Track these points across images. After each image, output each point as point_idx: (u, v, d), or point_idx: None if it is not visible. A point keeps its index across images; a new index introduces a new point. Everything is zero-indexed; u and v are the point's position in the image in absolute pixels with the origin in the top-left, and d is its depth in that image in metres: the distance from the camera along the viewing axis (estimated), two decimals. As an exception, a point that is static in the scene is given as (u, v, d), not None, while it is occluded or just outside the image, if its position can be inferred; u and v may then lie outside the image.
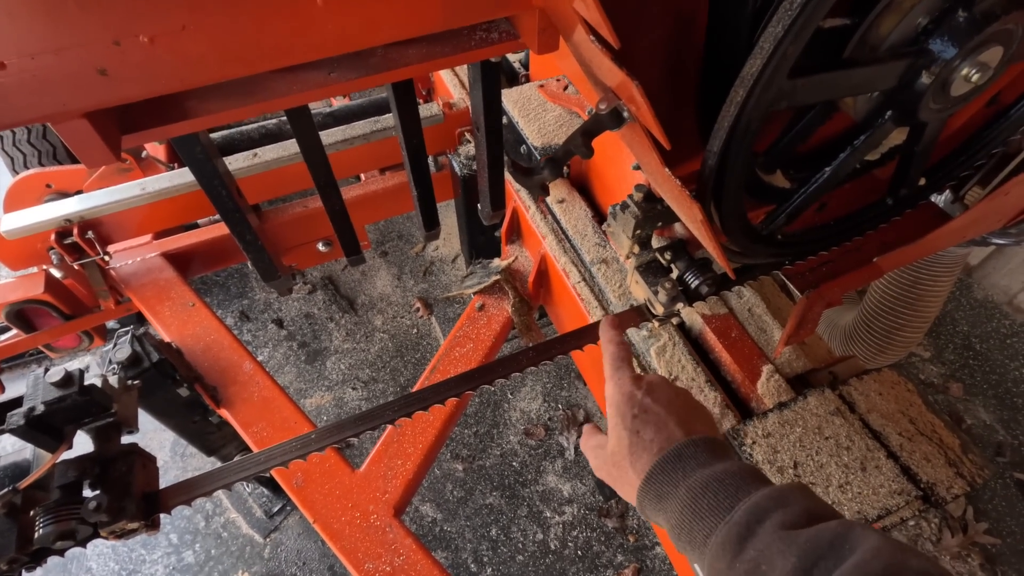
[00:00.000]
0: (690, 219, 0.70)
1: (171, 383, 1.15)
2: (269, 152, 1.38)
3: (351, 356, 2.08)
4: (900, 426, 0.86)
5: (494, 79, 0.80)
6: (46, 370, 0.74)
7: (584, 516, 1.72)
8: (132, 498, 0.72)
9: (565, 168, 1.29)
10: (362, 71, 0.64)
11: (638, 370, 1.05)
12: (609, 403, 0.67)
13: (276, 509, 1.75)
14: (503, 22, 0.68)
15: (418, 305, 2.21)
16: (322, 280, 2.29)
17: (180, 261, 1.44)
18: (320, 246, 1.63)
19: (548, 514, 1.73)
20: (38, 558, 0.71)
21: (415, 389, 0.91)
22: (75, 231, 1.26)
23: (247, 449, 1.53)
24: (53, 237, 1.25)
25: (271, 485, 1.74)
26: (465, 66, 0.90)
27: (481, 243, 1.60)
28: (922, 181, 0.96)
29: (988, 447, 1.83)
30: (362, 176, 1.66)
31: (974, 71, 0.67)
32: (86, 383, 0.73)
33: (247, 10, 0.48)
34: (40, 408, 0.70)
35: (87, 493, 0.73)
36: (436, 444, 1.14)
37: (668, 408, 0.63)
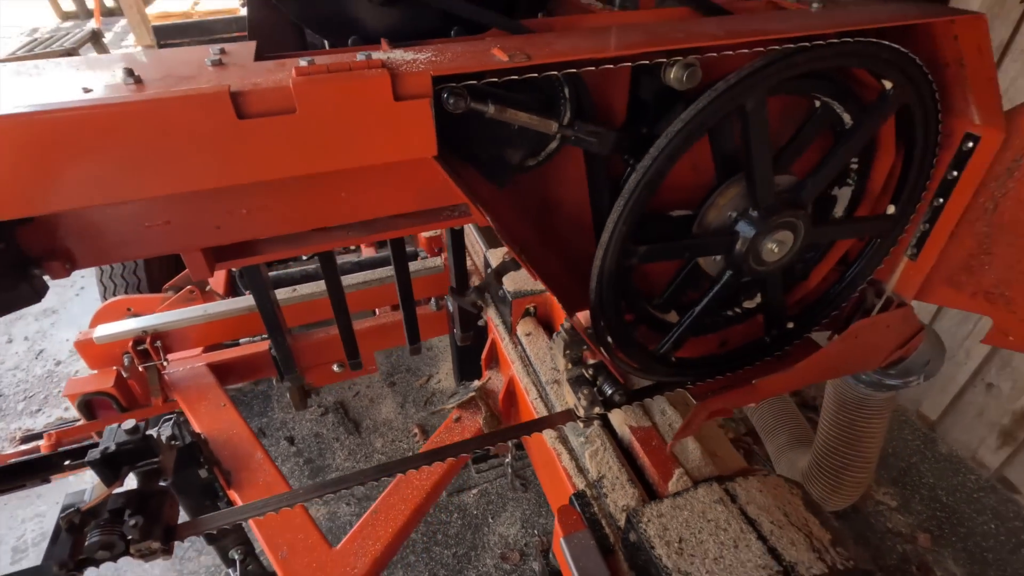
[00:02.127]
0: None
1: (195, 464, 1.40)
2: (304, 288, 1.77)
3: (350, 474, 2.26)
4: (773, 517, 1.04)
5: (460, 241, 1.17)
6: (119, 424, 1.03)
7: (551, 645, 1.74)
8: (160, 525, 0.96)
9: (531, 307, 1.63)
10: (369, 231, 1.01)
11: (573, 469, 1.27)
12: None
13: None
14: (462, 206, 1.06)
15: (416, 430, 2.43)
16: (334, 404, 2.56)
17: (220, 370, 1.76)
18: (335, 367, 1.94)
19: (516, 640, 1.76)
20: (81, 567, 0.93)
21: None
22: (147, 340, 1.62)
23: (247, 545, 1.69)
24: (131, 344, 1.61)
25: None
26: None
27: (468, 370, 1.89)
28: (791, 324, 1.25)
29: (960, 602, 1.83)
30: (377, 311, 2.03)
31: (774, 245, 1.00)
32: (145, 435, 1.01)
33: (301, 197, 0.86)
34: (112, 447, 0.97)
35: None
36: (404, 530, 1.32)
37: None
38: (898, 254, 1.21)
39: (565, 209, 1.02)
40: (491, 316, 1.73)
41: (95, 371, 1.62)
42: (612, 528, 1.14)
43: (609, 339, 1.05)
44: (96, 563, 0.93)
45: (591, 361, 1.22)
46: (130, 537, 0.93)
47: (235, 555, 1.67)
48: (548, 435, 1.35)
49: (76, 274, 2.87)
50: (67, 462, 1.01)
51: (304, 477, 2.26)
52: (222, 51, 0.65)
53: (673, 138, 0.81)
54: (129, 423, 1.00)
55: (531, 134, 0.79)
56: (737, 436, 2.35)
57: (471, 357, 1.85)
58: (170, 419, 1.41)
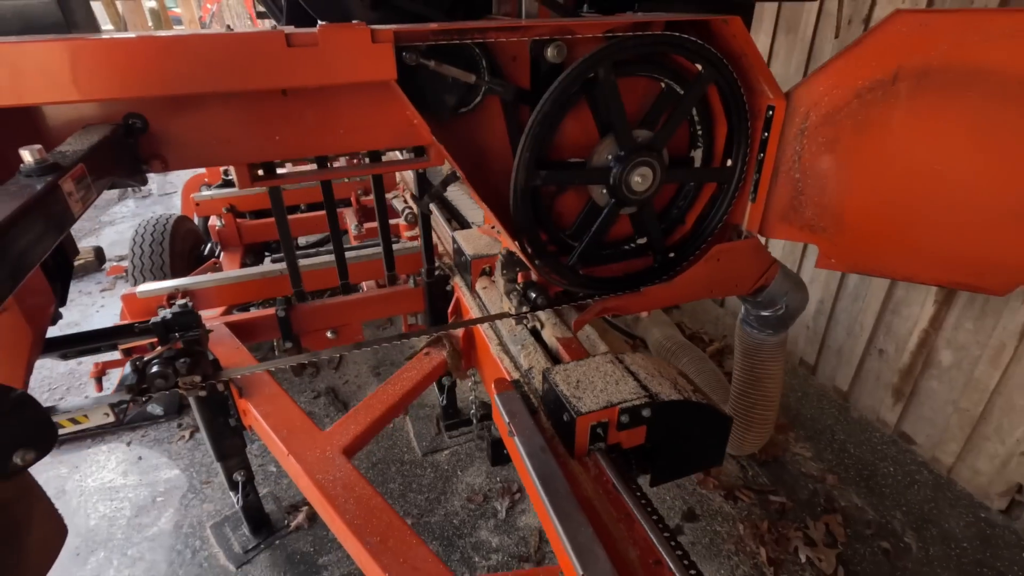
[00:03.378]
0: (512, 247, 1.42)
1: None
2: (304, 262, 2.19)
3: (337, 441, 2.58)
4: (649, 372, 1.42)
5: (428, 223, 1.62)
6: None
7: (507, 561, 2.01)
8: (199, 369, 1.33)
9: (486, 267, 2.05)
10: (358, 168, 1.46)
11: (511, 367, 1.64)
12: None
13: (251, 547, 2.10)
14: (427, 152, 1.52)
15: (397, 408, 2.76)
16: (326, 389, 2.90)
17: (236, 328, 2.14)
18: (328, 333, 2.33)
19: (477, 559, 2.03)
20: (141, 394, 1.29)
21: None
22: (179, 295, 2.02)
23: (248, 471, 2.01)
24: (166, 298, 2.01)
25: (252, 522, 2.12)
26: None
27: (437, 320, 2.28)
28: (672, 254, 1.68)
29: (859, 523, 2.12)
30: (364, 287, 2.44)
31: (639, 178, 1.45)
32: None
33: (313, 130, 1.31)
34: (169, 316, 1.36)
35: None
36: (380, 420, 1.67)
37: None
38: (744, 200, 1.67)
39: (495, 154, 1.47)
40: (457, 281, 2.15)
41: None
42: (536, 397, 1.50)
43: (528, 248, 1.47)
44: (155, 390, 1.30)
45: (521, 280, 1.64)
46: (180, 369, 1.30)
47: (239, 477, 1.99)
48: (493, 346, 1.74)
49: (96, 292, 3.35)
50: (136, 327, 1.38)
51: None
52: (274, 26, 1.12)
53: (553, 91, 1.29)
54: (181, 302, 1.40)
55: (460, 85, 1.25)
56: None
57: (439, 314, 2.26)
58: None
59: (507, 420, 1.35)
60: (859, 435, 2.52)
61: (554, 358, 1.69)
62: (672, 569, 1.06)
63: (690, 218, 1.70)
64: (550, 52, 1.29)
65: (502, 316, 1.62)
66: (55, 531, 0.95)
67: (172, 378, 1.30)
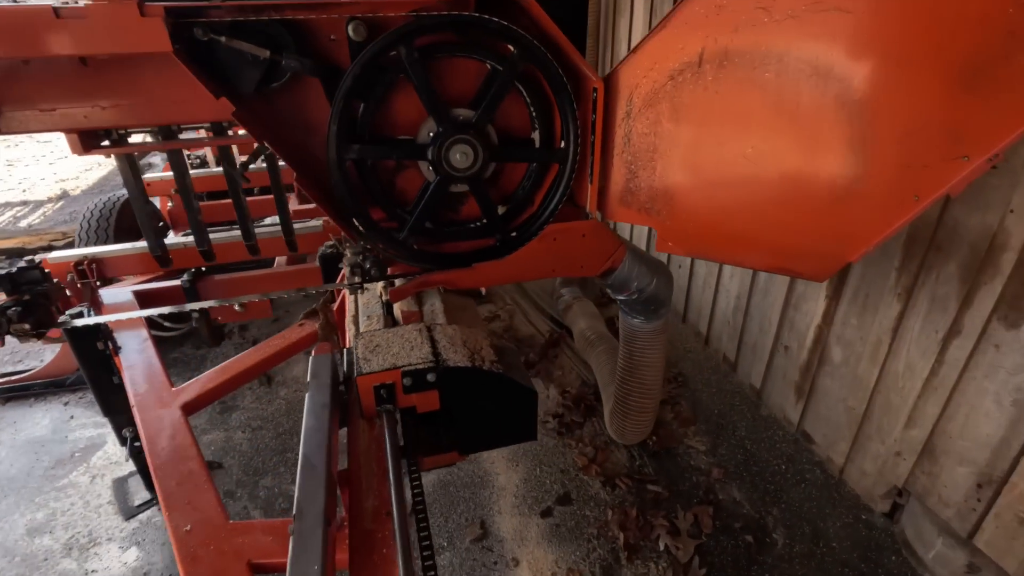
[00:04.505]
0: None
1: (97, 339, 1.89)
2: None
3: (252, 412, 2.70)
4: (453, 342, 1.47)
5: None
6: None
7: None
8: (33, 318, 1.45)
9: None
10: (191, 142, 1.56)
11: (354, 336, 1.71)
12: None
13: (143, 502, 2.23)
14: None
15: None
16: (256, 363, 3.03)
17: (142, 296, 2.28)
18: (236, 306, 2.45)
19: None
20: (-23, 338, 1.42)
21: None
22: (85, 263, 2.17)
23: (134, 426, 2.14)
24: (73, 265, 2.16)
25: (146, 478, 2.25)
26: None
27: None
28: (514, 234, 1.72)
29: (731, 516, 2.10)
30: (275, 264, 2.55)
31: (460, 155, 1.51)
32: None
33: (138, 101, 1.41)
34: (14, 270, 1.49)
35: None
36: (237, 379, 1.77)
37: None
38: (586, 182, 1.69)
39: (321, 134, 1.54)
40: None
41: (44, 284, 2.17)
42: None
43: (357, 223, 1.55)
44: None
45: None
46: (12, 321, 1.43)
47: (127, 433, 2.12)
48: (348, 317, 1.81)
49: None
50: None
51: (215, 413, 2.70)
52: (74, 2, 1.23)
53: (352, 68, 1.36)
54: (30, 260, 1.53)
55: (262, 61, 1.33)
56: (582, 394, 2.71)
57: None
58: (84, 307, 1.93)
59: (308, 379, 1.43)
60: (762, 433, 2.48)
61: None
62: (395, 520, 1.11)
63: (538, 199, 1.73)
64: (350, 30, 1.36)
65: (339, 287, 1.70)
66: None
67: (4, 325, 1.43)
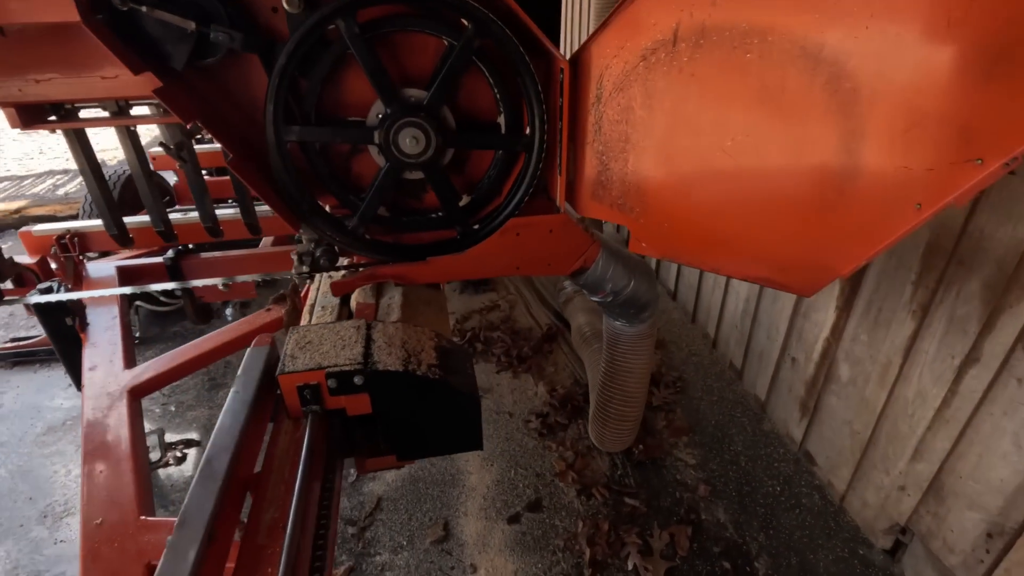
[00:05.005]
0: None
1: (65, 314, 1.89)
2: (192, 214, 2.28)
3: (239, 391, 2.70)
4: (391, 343, 1.36)
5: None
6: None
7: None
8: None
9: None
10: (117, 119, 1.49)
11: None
12: None
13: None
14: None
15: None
16: (251, 342, 3.03)
17: (125, 272, 2.28)
18: (220, 285, 2.43)
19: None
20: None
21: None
22: (67, 236, 2.18)
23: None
24: (55, 238, 2.18)
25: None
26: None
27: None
28: (476, 226, 1.59)
29: (712, 539, 1.94)
30: (262, 241, 2.52)
31: (410, 139, 1.39)
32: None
33: (69, 75, 1.35)
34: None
35: None
36: (192, 363, 1.73)
37: None
38: (555, 173, 1.54)
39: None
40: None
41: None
42: (302, 357, 1.49)
43: (303, 208, 1.46)
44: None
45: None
46: None
47: (102, 408, 2.13)
48: (307, 306, 1.74)
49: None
50: None
51: (204, 390, 2.71)
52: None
53: (289, 42, 1.25)
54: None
55: (190, 34, 1.24)
56: (571, 393, 2.58)
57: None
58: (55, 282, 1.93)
59: (238, 374, 1.36)
60: (761, 449, 2.29)
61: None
62: (287, 535, 1.03)
63: (505, 189, 1.60)
64: (285, 3, 1.25)
65: (288, 275, 1.62)
66: None
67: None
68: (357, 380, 1.27)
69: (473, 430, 1.41)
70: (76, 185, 5.47)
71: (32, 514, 2.11)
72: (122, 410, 1.54)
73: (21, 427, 2.53)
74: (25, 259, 2.13)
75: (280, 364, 1.28)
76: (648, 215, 1.43)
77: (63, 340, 1.96)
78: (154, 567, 1.13)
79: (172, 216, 2.21)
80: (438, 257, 1.56)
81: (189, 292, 2.41)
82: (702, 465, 2.23)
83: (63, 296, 1.77)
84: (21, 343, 2.96)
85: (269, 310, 1.98)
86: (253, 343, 1.46)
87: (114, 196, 2.92)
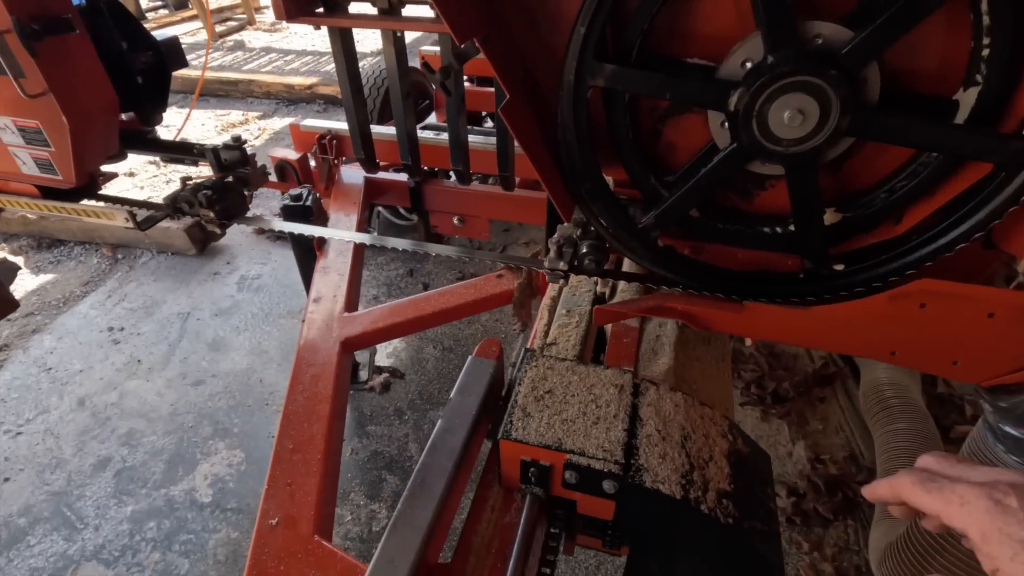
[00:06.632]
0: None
1: (308, 217, 1.78)
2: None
3: (450, 329, 2.55)
4: (666, 430, 0.88)
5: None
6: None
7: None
8: (222, 206, 1.31)
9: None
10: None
11: (542, 330, 1.24)
12: (981, 537, 0.51)
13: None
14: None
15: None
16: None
17: (372, 184, 2.15)
18: (455, 220, 2.19)
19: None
20: (175, 212, 1.35)
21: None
22: (327, 138, 2.08)
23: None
24: (317, 137, 2.09)
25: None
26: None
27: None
28: (839, 266, 0.97)
29: None
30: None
31: (789, 113, 0.81)
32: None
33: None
34: (221, 147, 1.35)
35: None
36: (412, 323, 1.51)
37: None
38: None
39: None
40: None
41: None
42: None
43: (585, 186, 1.00)
44: (177, 213, 1.34)
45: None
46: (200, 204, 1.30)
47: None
48: (546, 298, 1.35)
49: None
50: (196, 149, 1.45)
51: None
52: None
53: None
54: (234, 137, 1.37)
55: None
56: (845, 476, 1.87)
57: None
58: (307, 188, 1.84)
59: (453, 392, 1.03)
60: None
61: (601, 345, 1.23)
62: None
63: (914, 215, 0.92)
64: None
65: (531, 264, 1.20)
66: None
67: (195, 207, 1.32)
68: (608, 487, 0.83)
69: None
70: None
71: (255, 400, 2.24)
72: (329, 362, 1.36)
73: (270, 302, 2.73)
74: (290, 154, 2.10)
75: (505, 420, 0.90)
76: None
77: (302, 248, 1.89)
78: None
79: (424, 137, 1.96)
80: (761, 302, 0.99)
81: (424, 218, 2.23)
82: None
83: (291, 227, 1.59)
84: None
85: (500, 276, 1.64)
86: (476, 351, 1.11)
87: (373, 105, 2.84)
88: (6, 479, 1.97)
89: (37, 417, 2.19)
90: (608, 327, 1.23)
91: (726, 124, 0.88)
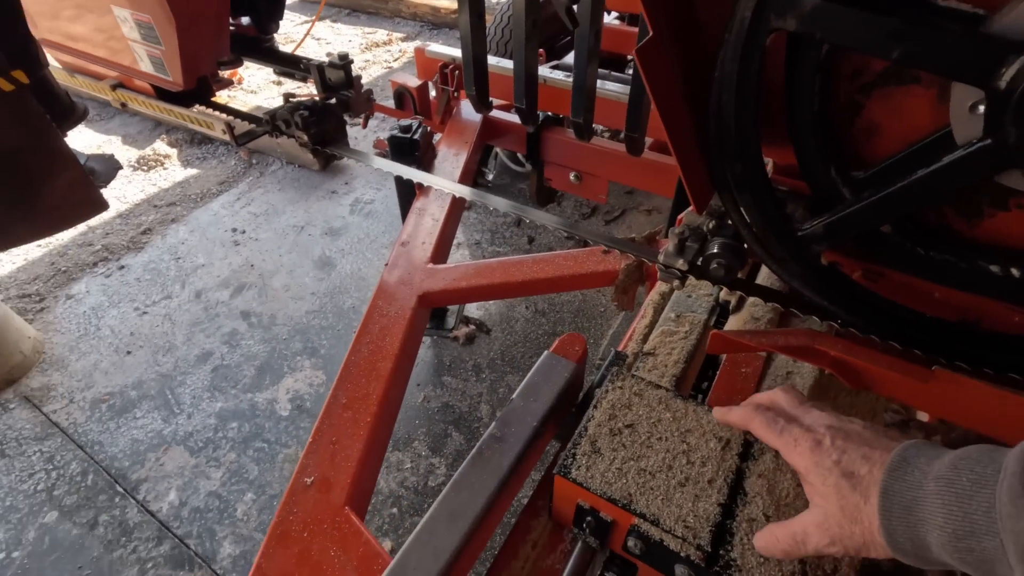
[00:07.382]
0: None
1: (412, 151, 1.66)
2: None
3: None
4: (777, 519, 0.66)
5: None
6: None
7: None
8: (319, 129, 1.21)
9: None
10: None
11: (642, 332, 1.02)
12: (805, 470, 0.59)
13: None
14: None
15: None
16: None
17: (489, 123, 1.97)
18: (572, 177, 1.96)
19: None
20: (274, 129, 1.27)
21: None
22: (450, 68, 1.91)
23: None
24: (440, 65, 1.94)
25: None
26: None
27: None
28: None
29: None
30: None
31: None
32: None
33: None
34: (326, 64, 1.24)
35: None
36: (499, 289, 1.36)
37: (850, 427, 0.60)
38: None
39: None
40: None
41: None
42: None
43: (736, 168, 0.74)
44: (273, 130, 1.26)
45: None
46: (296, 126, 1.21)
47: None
48: (653, 294, 1.12)
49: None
50: (303, 63, 1.35)
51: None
52: None
53: None
54: (341, 54, 1.25)
55: None
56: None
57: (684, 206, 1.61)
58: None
59: (516, 393, 0.87)
60: None
61: (709, 364, 0.99)
62: None
63: None
64: None
65: (640, 250, 0.97)
66: (84, 200, 1.07)
67: (292, 126, 1.23)
68: (681, 574, 0.63)
69: None
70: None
71: (344, 325, 2.26)
72: (402, 315, 1.25)
73: (377, 230, 2.73)
74: (411, 81, 1.97)
75: (567, 451, 0.72)
76: None
77: (403, 182, 1.78)
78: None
79: (548, 77, 1.73)
80: (958, 371, 0.69)
81: (540, 168, 2.02)
82: None
83: (403, 170, 1.46)
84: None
85: (606, 252, 1.41)
86: (554, 346, 0.93)
87: (502, 35, 2.61)
88: (128, 352, 2.17)
89: (161, 301, 2.38)
90: (723, 359, 0.98)
91: (981, 108, 0.58)
